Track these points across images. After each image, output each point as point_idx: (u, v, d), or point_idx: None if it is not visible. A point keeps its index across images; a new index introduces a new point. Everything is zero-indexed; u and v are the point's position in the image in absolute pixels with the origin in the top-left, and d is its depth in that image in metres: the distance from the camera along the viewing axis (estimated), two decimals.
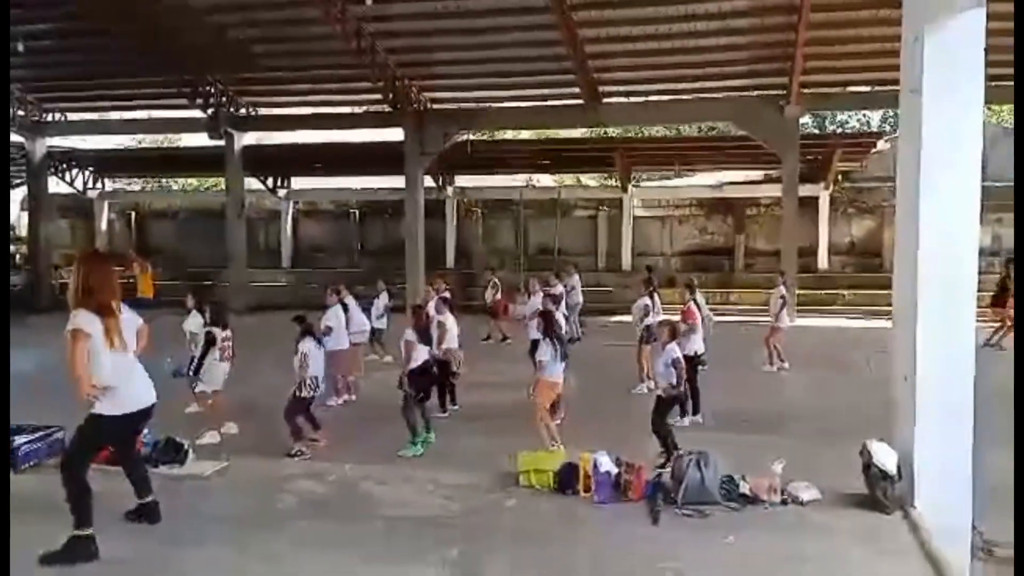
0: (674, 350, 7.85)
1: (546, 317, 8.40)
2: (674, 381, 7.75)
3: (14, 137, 23.05)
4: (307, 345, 8.17)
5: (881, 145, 21.99)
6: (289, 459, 7.38)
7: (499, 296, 16.31)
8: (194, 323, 9.56)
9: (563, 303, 12.92)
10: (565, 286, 14.75)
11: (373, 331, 12.96)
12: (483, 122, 22.50)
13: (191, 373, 9.06)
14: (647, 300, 11.30)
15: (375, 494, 5.66)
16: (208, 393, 8.72)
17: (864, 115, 31.32)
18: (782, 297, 12.89)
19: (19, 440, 6.14)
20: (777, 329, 12.74)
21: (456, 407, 10.04)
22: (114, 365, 4.66)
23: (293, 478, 6.04)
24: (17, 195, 28.17)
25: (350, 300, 11.29)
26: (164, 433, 6.46)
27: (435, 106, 21.22)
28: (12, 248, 25.49)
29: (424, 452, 8.10)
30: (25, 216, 26.10)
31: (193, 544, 4.76)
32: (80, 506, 4.55)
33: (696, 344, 9.56)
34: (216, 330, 8.70)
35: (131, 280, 17.38)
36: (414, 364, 8.24)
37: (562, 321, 10.31)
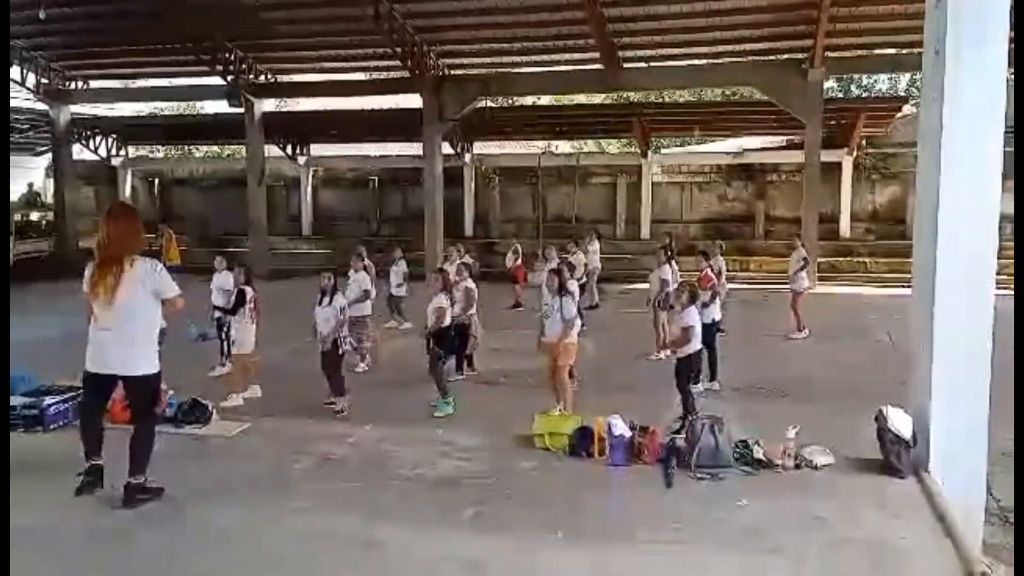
0: (690, 315, 7.83)
1: (559, 273, 8.39)
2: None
3: (39, 105, 23.27)
4: (341, 301, 8.42)
5: (907, 109, 21.57)
6: (312, 420, 7.49)
7: (518, 262, 16.30)
8: (225, 280, 9.75)
9: (581, 272, 12.97)
10: (584, 252, 14.73)
11: (391, 298, 13.12)
12: (501, 88, 22.31)
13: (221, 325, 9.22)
14: (666, 272, 11.21)
15: (392, 456, 5.76)
16: (241, 355, 8.85)
17: (892, 79, 30.67)
18: (803, 259, 12.80)
19: (48, 401, 6.32)
20: (798, 293, 12.66)
21: (474, 371, 10.13)
22: (95, 317, 4.63)
23: (313, 440, 6.15)
24: (42, 162, 28.56)
25: (370, 266, 11.43)
26: (189, 395, 6.62)
27: (453, 72, 21.08)
28: (38, 215, 25.86)
29: (456, 411, 8.26)
30: (51, 183, 26.47)
31: (212, 502, 4.88)
32: (84, 438, 4.82)
33: (713, 311, 9.53)
34: (247, 289, 8.83)
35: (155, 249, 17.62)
36: (443, 324, 8.40)
37: (575, 288, 10.30)
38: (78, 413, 4.99)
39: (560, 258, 12.37)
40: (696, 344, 7.81)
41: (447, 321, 8.45)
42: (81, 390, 6.56)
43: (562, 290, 8.08)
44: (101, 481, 4.74)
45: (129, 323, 4.61)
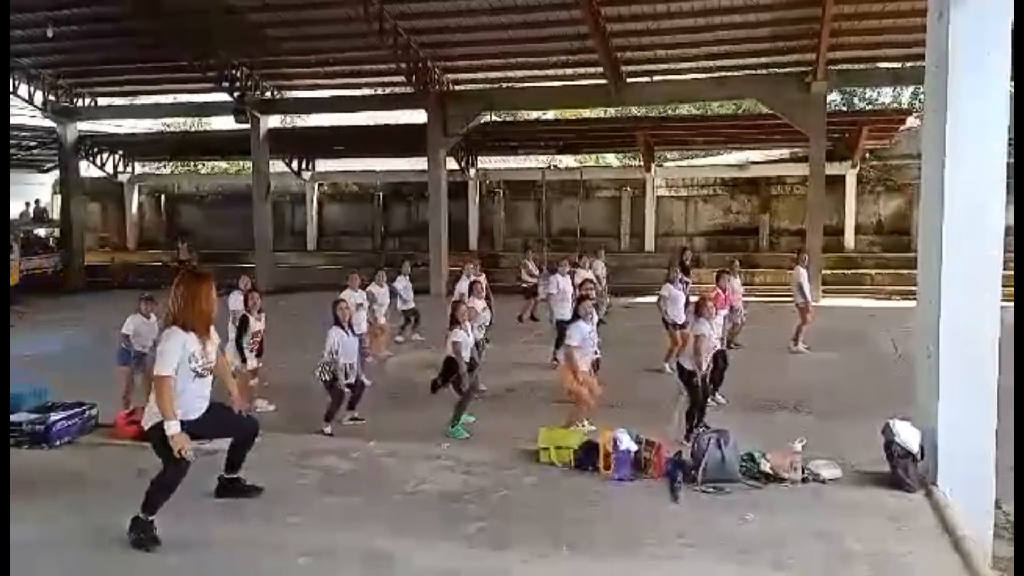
0: (702, 325, 7.80)
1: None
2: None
3: (46, 122, 23.47)
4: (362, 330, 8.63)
5: (911, 122, 21.57)
6: (316, 435, 7.47)
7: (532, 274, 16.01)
8: (235, 300, 9.77)
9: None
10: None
11: (404, 312, 13.22)
12: (505, 103, 22.44)
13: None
14: (680, 286, 11.17)
15: (398, 470, 5.75)
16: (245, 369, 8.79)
17: (895, 91, 30.72)
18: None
19: (53, 417, 6.32)
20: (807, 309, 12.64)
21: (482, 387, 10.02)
22: None
23: (318, 454, 6.15)
24: (49, 179, 28.77)
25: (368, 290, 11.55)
26: None
27: (457, 87, 21.20)
28: (45, 231, 26.04)
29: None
30: (58, 200, 26.66)
31: (215, 516, 4.88)
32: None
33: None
34: (249, 316, 8.75)
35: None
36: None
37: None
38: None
39: (572, 270, 12.35)
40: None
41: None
42: (86, 406, 6.66)
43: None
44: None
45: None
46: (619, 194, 25.21)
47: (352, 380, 8.24)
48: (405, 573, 4.21)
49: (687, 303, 10.93)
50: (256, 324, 8.69)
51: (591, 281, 10.99)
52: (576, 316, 7.90)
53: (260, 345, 8.79)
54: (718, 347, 8.01)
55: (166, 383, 4.51)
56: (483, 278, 12.05)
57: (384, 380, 10.49)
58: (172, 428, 4.48)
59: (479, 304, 8.98)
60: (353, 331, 8.43)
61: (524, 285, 15.82)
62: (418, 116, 21.31)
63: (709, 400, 8.45)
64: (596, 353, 8.05)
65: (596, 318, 8.25)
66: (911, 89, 28.26)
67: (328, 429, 7.86)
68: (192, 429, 4.62)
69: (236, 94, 21.43)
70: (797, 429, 6.65)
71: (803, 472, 5.39)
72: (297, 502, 5.16)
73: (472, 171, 25.78)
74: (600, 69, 18.96)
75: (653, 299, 12.29)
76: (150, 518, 4.55)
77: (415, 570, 4.23)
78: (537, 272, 15.85)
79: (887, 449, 5.30)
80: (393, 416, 8.72)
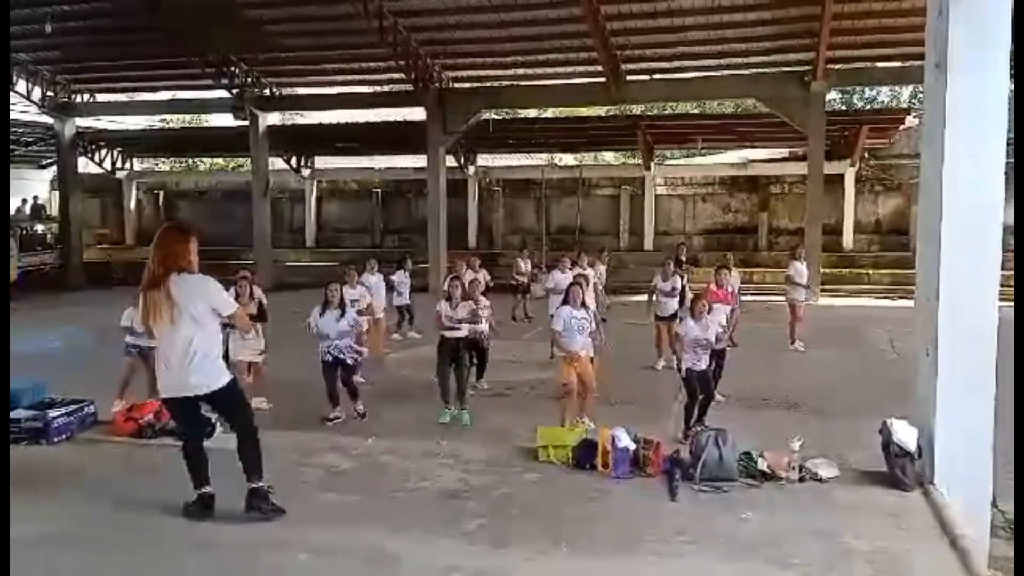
0: (687, 325, 7.80)
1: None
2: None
3: (44, 118, 23.43)
4: (353, 314, 8.75)
5: (909, 121, 21.61)
6: (316, 433, 7.47)
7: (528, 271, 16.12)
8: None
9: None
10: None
11: (399, 308, 13.25)
12: (505, 100, 22.44)
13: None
14: (672, 278, 11.22)
15: (397, 468, 5.75)
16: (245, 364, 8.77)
17: (894, 90, 30.75)
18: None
19: (52, 414, 6.30)
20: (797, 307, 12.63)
21: (485, 385, 10.03)
22: (159, 341, 4.68)
23: (318, 451, 6.14)
24: (48, 175, 28.73)
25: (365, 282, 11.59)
26: None
27: (457, 85, 21.19)
28: (43, 228, 26.00)
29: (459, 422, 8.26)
30: (56, 196, 26.62)
31: (215, 514, 4.86)
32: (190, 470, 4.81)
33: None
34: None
35: None
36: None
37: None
38: (182, 445, 4.88)
39: (570, 269, 12.36)
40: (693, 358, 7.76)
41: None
42: (85, 402, 6.64)
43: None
44: (212, 510, 4.78)
45: (178, 340, 4.57)
46: (618, 192, 25.25)
47: (334, 358, 8.31)
48: (405, 570, 4.21)
49: (682, 297, 11.01)
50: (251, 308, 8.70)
51: (584, 276, 11.07)
52: (564, 301, 7.95)
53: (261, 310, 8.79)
54: (714, 346, 7.99)
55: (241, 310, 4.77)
56: (483, 275, 12.05)
57: (382, 377, 10.50)
58: (247, 310, 4.77)
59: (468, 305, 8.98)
60: (335, 310, 8.40)
61: (514, 282, 15.95)
62: (417, 113, 21.31)
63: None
64: (599, 341, 8.06)
65: (593, 308, 8.28)
66: (910, 88, 28.29)
67: (334, 413, 8.02)
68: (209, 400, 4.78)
69: (235, 91, 21.41)
70: (795, 428, 6.66)
71: (801, 471, 5.40)
72: (297, 500, 5.15)
73: (471, 169, 25.78)
74: (599, 67, 18.96)
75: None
76: (263, 483, 4.73)
77: (415, 567, 4.24)
78: (528, 271, 15.99)
79: (885, 448, 5.31)
80: (392, 413, 8.73)
